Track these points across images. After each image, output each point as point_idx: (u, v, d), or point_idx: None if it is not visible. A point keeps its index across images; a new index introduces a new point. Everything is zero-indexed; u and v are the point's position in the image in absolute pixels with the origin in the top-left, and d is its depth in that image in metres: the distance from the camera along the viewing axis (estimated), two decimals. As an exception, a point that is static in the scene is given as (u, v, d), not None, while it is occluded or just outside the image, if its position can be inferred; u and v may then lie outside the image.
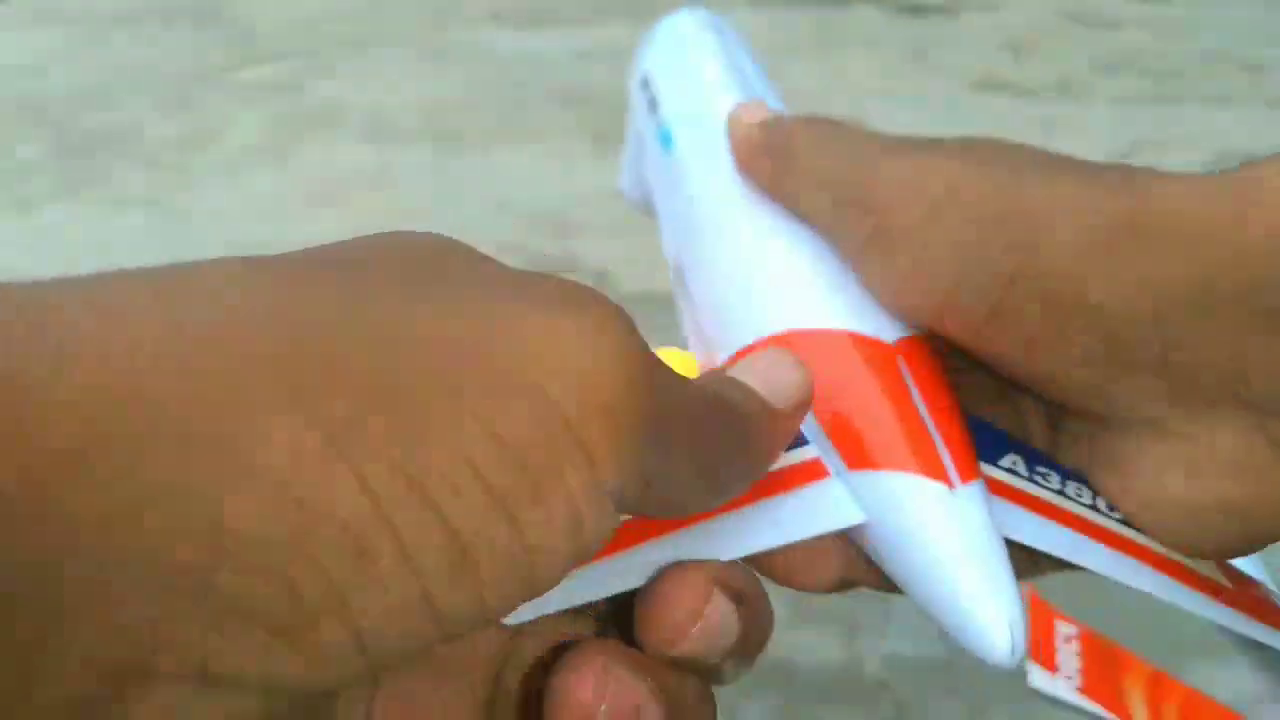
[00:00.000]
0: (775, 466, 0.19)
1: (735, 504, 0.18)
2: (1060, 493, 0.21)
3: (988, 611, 0.18)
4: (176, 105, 1.04)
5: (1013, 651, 0.17)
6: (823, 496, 0.19)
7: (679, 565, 0.17)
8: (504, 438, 0.13)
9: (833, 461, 0.20)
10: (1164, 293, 0.18)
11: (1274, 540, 0.20)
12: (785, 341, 0.22)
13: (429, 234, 0.17)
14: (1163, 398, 0.19)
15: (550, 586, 0.14)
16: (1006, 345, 0.20)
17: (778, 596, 0.42)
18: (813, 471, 0.19)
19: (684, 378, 0.17)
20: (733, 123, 0.25)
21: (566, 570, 0.14)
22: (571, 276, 0.57)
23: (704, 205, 0.26)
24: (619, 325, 0.15)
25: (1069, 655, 0.36)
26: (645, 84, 0.32)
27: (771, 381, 0.18)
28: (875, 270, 0.22)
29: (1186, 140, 0.85)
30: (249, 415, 0.12)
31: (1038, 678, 0.35)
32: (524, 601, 0.14)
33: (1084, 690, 0.34)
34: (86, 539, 0.11)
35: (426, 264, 0.15)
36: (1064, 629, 0.37)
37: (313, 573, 0.12)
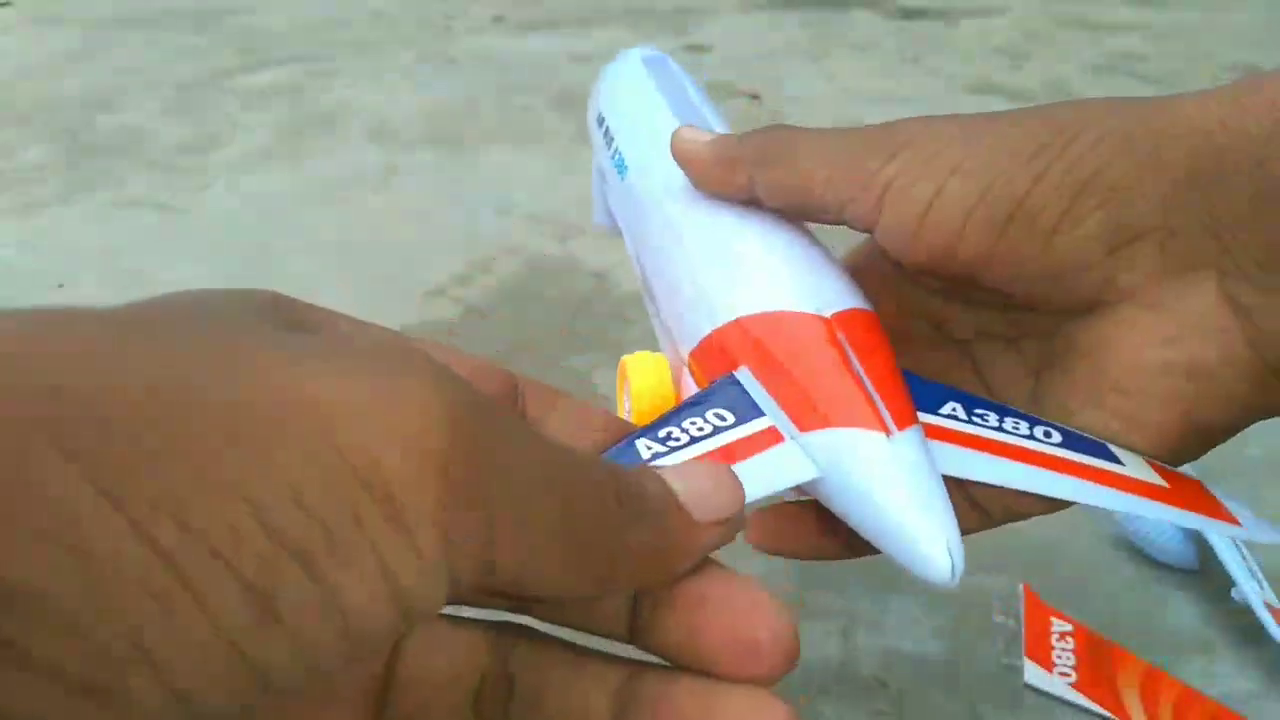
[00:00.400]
0: (737, 436, 0.21)
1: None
2: (999, 428, 0.23)
3: (927, 537, 0.20)
4: (183, 108, 1.05)
5: (952, 571, 0.20)
6: (780, 457, 0.21)
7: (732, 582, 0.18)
8: (296, 492, 0.13)
9: (786, 427, 0.22)
10: (1172, 173, 0.22)
11: (1236, 405, 0.22)
12: (735, 328, 0.24)
13: (245, 292, 0.17)
14: (1154, 269, 0.22)
15: (382, 642, 0.14)
16: (1024, 247, 0.23)
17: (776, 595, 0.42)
18: (769, 438, 0.21)
19: (561, 450, 0.16)
20: (678, 144, 0.27)
21: (396, 631, 0.14)
22: (571, 277, 0.60)
23: (655, 216, 0.29)
24: (438, 388, 0.14)
25: (1064, 652, 0.36)
26: (600, 120, 0.35)
27: (696, 490, 0.17)
28: (893, 223, 0.24)
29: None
30: (21, 468, 0.11)
31: (1033, 675, 0.35)
32: (352, 657, 0.13)
33: (1079, 687, 0.35)
34: None
35: (226, 323, 0.16)
36: (1059, 626, 0.37)
37: (113, 628, 0.11)
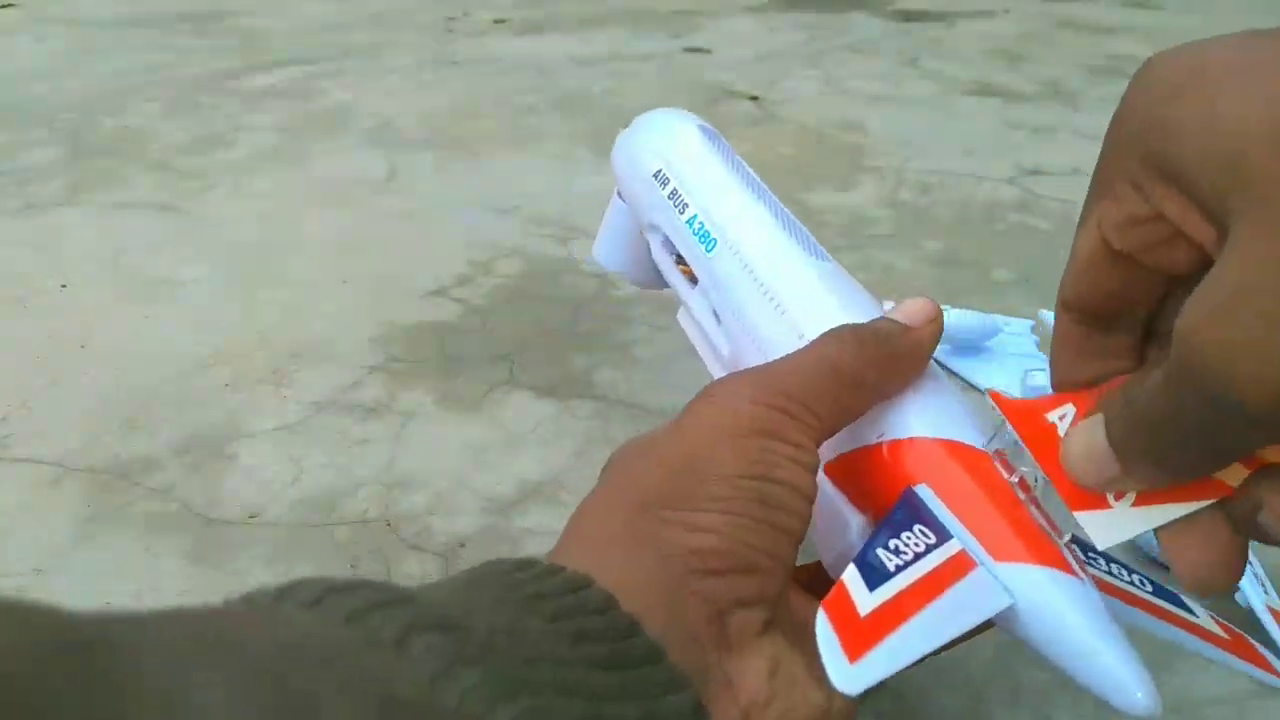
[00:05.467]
0: (929, 568, 0.23)
1: (908, 614, 0.22)
2: (1109, 573, 0.27)
3: (1134, 679, 0.22)
4: (186, 110, 1.05)
5: (1156, 707, 0.22)
6: (977, 587, 0.23)
7: None
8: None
9: (976, 553, 0.24)
10: None
11: None
12: (910, 446, 0.26)
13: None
14: None
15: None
16: None
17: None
18: (962, 564, 0.23)
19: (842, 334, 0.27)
20: (1079, 460, 0.23)
21: None
22: (572, 278, 0.60)
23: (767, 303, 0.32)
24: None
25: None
26: (661, 179, 0.37)
27: (908, 312, 0.28)
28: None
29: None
30: None
31: (1096, 526, 0.23)
32: None
33: (1144, 501, 0.24)
34: None
35: None
36: (1055, 414, 0.28)
37: None
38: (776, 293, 0.31)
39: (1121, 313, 0.23)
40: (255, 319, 0.62)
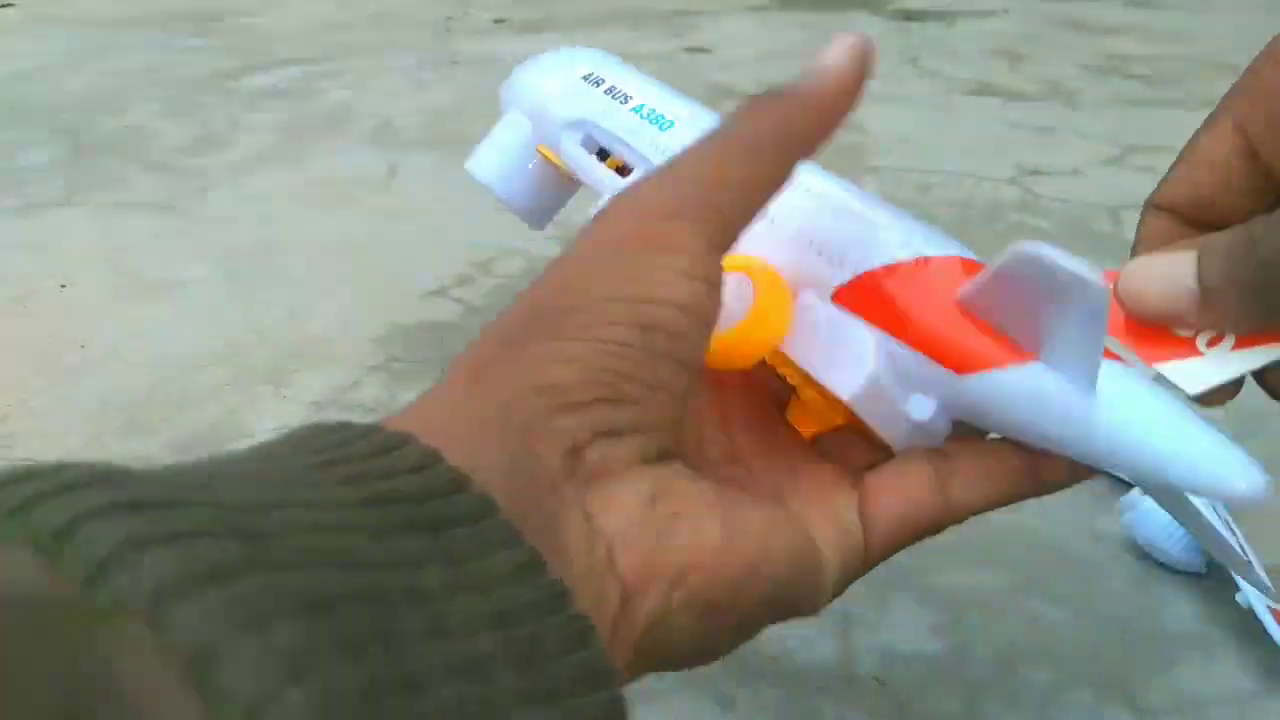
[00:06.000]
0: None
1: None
2: None
3: (1232, 455, 0.21)
4: (185, 110, 1.05)
5: (1261, 481, 0.20)
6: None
7: None
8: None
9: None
10: None
11: None
12: (918, 265, 0.24)
13: None
14: None
15: (712, 314, 0.22)
16: None
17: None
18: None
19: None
20: (1137, 287, 0.23)
21: (716, 303, 0.22)
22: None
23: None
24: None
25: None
26: (592, 79, 0.36)
27: (828, 51, 0.23)
28: None
29: (1179, 144, 0.86)
30: None
31: (1182, 375, 0.23)
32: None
33: (1243, 344, 0.23)
34: None
35: None
36: None
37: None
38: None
39: (1229, 216, 0.22)
40: (255, 319, 0.62)
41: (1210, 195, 0.23)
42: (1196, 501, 0.26)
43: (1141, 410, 0.21)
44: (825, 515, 0.23)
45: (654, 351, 0.20)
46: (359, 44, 1.31)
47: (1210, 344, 0.22)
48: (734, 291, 0.25)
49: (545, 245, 0.71)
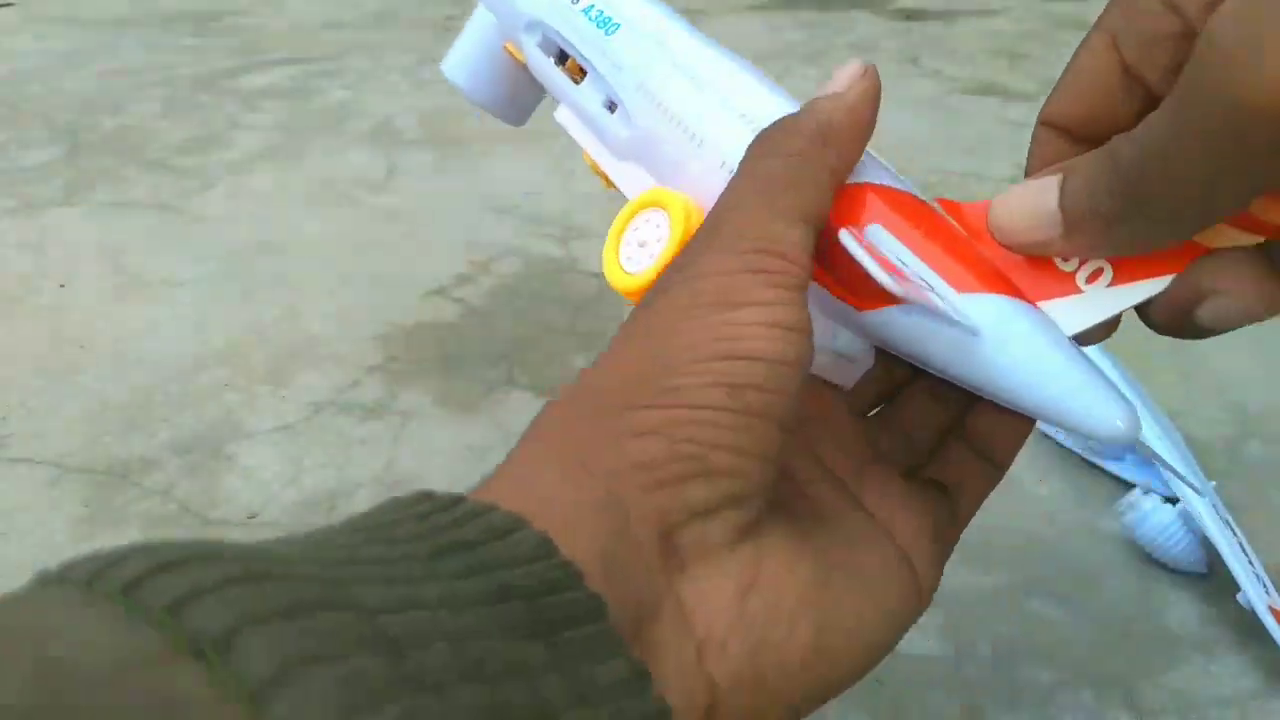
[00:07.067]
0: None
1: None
2: None
3: (1105, 396, 0.21)
4: (184, 109, 1.05)
5: (1132, 422, 0.21)
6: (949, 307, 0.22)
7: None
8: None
9: (940, 286, 0.23)
10: None
11: None
12: (859, 191, 0.25)
13: None
14: None
15: (807, 350, 0.21)
16: None
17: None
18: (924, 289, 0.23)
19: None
20: (1009, 216, 0.23)
21: (808, 344, 0.21)
22: (572, 277, 0.59)
23: (680, 70, 0.30)
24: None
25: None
26: None
27: (835, 80, 0.25)
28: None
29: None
30: None
31: (1061, 313, 0.23)
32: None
33: (1120, 279, 0.22)
34: None
35: None
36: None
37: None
38: (690, 67, 0.29)
39: (1114, 134, 0.21)
40: (254, 319, 0.62)
41: (1093, 112, 0.22)
42: (1198, 504, 0.27)
43: (1022, 349, 0.21)
44: (912, 523, 0.24)
45: (746, 412, 0.20)
46: (358, 43, 1.31)
47: (1090, 280, 0.22)
48: (652, 232, 0.26)
49: (545, 245, 0.71)
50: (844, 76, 0.25)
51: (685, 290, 0.21)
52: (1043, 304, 0.22)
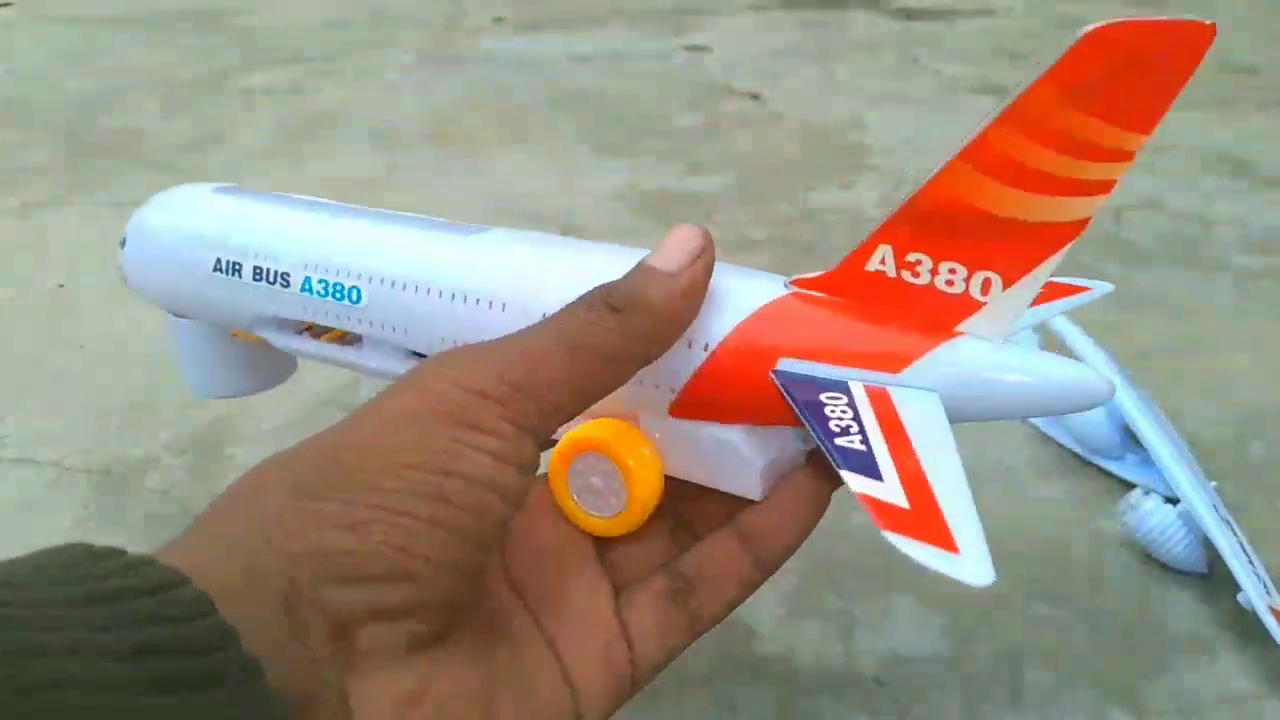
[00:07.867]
0: (874, 419, 0.22)
1: (922, 469, 0.22)
2: None
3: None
4: (184, 109, 1.05)
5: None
6: (913, 400, 0.23)
7: None
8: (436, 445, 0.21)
9: (879, 380, 0.24)
10: None
11: None
12: (738, 335, 0.25)
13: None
14: None
15: (519, 494, 0.22)
16: None
17: (773, 595, 0.42)
18: (881, 396, 0.23)
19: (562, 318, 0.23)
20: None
21: (524, 485, 0.22)
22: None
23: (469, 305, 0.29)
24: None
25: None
26: (223, 267, 0.32)
27: (664, 248, 0.24)
28: None
29: (1179, 142, 0.86)
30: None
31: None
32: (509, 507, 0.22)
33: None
34: None
35: None
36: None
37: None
38: (477, 291, 0.28)
39: None
40: (254, 319, 0.62)
41: None
42: (1199, 507, 0.27)
43: (991, 387, 0.23)
44: (592, 652, 0.24)
45: (447, 527, 0.20)
46: (358, 43, 1.31)
47: (982, 291, 0.23)
48: (602, 482, 0.26)
49: (545, 244, 0.71)
50: (678, 249, 0.24)
51: (427, 395, 0.21)
52: (959, 327, 0.24)
